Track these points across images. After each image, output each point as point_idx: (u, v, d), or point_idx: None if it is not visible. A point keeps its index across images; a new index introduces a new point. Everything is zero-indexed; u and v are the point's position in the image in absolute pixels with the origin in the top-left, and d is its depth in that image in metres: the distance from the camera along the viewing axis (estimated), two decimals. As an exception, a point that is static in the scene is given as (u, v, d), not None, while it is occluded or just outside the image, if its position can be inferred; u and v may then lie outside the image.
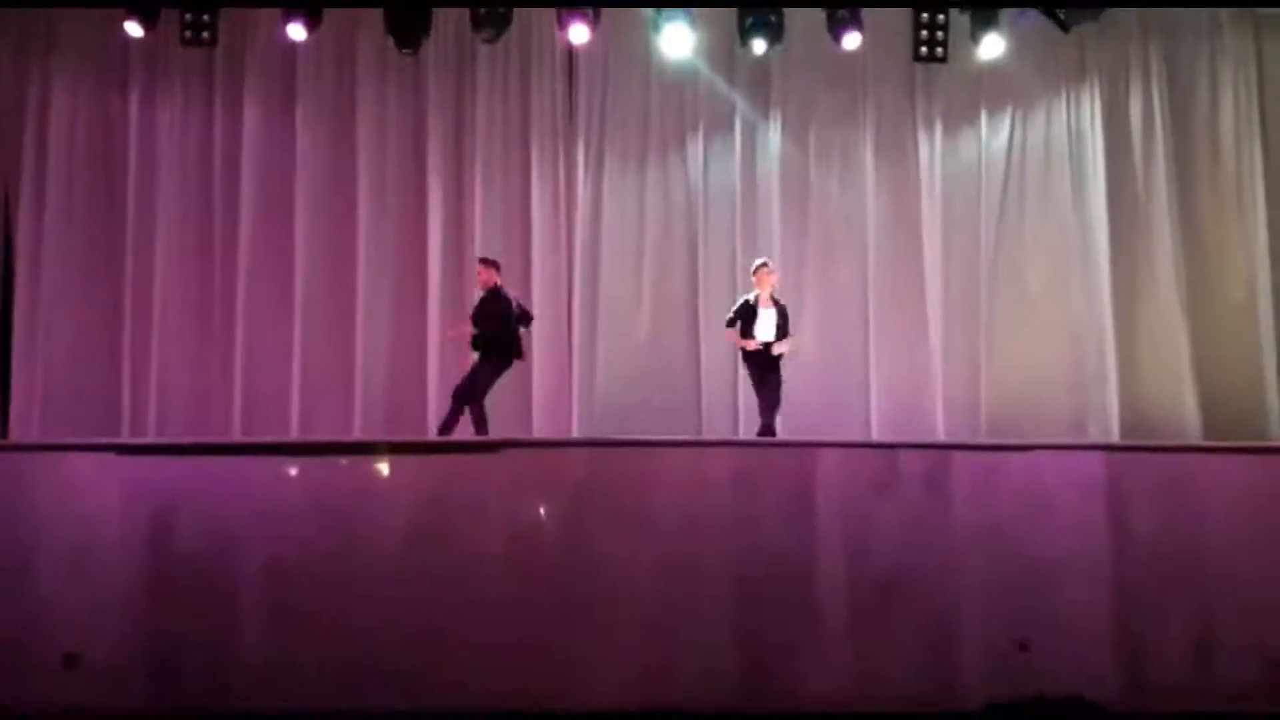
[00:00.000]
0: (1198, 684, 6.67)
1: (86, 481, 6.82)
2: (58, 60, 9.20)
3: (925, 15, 9.03)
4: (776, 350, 8.06)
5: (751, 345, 8.05)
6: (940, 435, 9.03)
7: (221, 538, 6.67)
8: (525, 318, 8.29)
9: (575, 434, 8.71)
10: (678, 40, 9.00)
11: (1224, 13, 9.43)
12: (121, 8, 8.71)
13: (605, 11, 8.94)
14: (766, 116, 9.54)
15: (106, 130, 9.30)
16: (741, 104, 9.54)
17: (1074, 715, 5.61)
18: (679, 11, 8.85)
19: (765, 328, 8.09)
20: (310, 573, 6.64)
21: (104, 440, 7.83)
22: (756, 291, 8.19)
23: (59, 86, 9.20)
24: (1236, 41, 9.49)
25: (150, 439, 8.62)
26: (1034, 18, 9.00)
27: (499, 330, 8.02)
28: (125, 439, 8.54)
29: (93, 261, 9.18)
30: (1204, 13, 9.42)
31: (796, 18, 9.09)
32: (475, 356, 8.08)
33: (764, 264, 8.29)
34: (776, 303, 8.21)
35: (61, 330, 9.04)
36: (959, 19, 9.05)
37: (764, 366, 8.10)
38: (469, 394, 7.95)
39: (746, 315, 8.13)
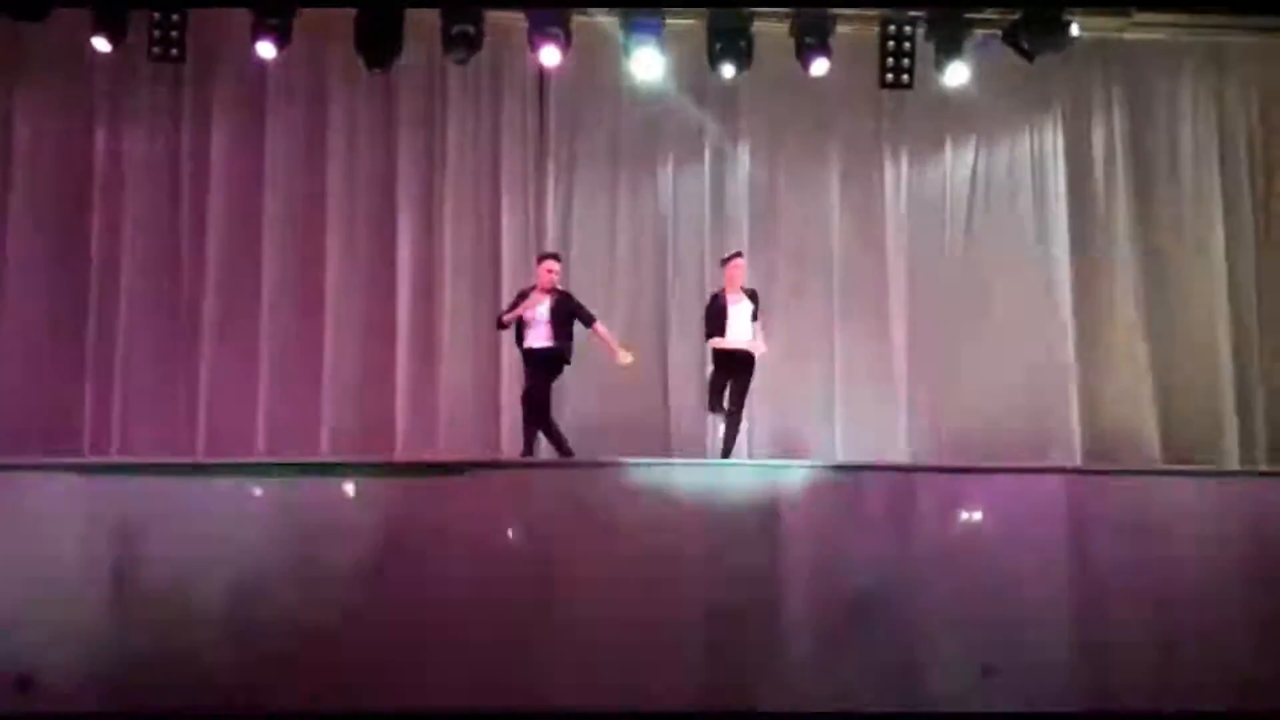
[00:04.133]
0: (1161, 707, 6.75)
1: (46, 501, 6.76)
2: (24, 76, 9.10)
3: (892, 43, 9.10)
4: (756, 350, 8.11)
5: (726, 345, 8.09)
6: (904, 458, 9.09)
7: (184, 559, 6.62)
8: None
9: (543, 456, 8.68)
10: (648, 63, 9.05)
11: (1185, 45, 9.60)
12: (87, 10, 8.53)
13: (576, 34, 8.96)
14: (735, 141, 9.62)
15: (71, 147, 9.18)
16: (711, 128, 9.60)
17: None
18: (649, 35, 8.88)
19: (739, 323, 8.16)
20: (274, 594, 6.61)
21: (65, 460, 7.73)
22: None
23: (24, 103, 9.10)
24: (1196, 75, 9.68)
25: (112, 458, 8.52)
26: (998, 47, 9.10)
27: None
28: (87, 458, 8.44)
29: (56, 277, 9.05)
30: (1165, 46, 9.59)
31: (766, 43, 9.15)
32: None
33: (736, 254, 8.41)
34: (747, 293, 8.25)
35: (22, 347, 8.91)
36: (925, 47, 9.13)
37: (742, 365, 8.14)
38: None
39: (716, 315, 8.21)
